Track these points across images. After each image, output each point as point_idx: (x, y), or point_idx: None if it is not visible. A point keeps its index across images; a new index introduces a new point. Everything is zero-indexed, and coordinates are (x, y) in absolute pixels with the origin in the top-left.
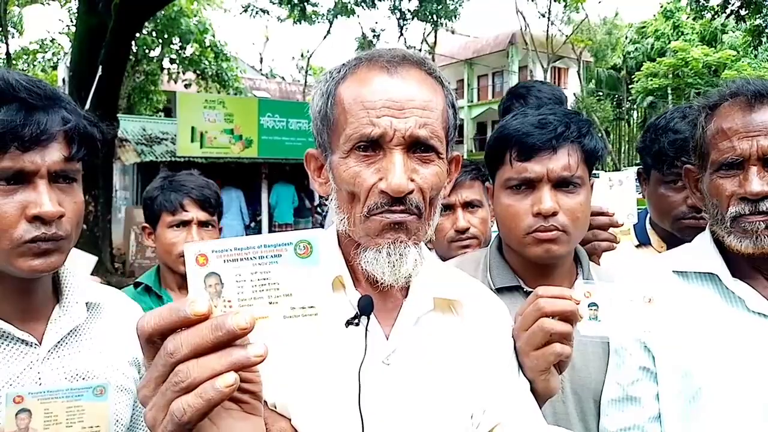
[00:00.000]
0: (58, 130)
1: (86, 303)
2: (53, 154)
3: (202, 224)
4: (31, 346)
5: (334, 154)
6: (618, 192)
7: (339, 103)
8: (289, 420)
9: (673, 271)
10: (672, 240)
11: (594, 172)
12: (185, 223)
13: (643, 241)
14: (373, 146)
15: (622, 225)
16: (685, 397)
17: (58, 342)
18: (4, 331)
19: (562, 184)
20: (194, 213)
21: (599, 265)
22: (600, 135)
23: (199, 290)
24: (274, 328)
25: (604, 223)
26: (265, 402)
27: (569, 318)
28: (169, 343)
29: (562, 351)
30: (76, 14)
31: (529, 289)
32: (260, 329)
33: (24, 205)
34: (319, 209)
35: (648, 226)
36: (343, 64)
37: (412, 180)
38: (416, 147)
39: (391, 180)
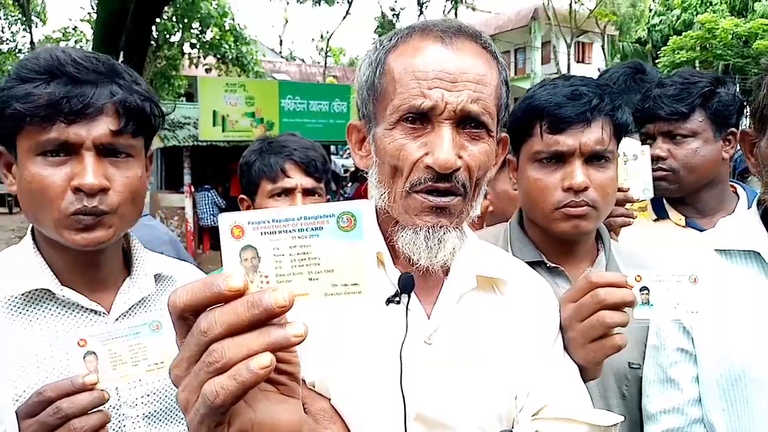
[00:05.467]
0: (104, 104)
1: (155, 275)
2: (100, 128)
3: (307, 192)
4: (100, 315)
5: (378, 125)
6: (633, 166)
7: (388, 73)
8: (329, 399)
9: (716, 250)
10: (688, 212)
11: None
12: (288, 192)
13: (661, 216)
14: (421, 119)
15: (638, 200)
16: (726, 381)
17: (126, 312)
18: (74, 302)
19: (593, 158)
20: (298, 179)
21: (617, 241)
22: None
23: (234, 264)
24: (314, 305)
25: (620, 199)
26: (304, 381)
27: (626, 306)
28: (202, 320)
29: (622, 343)
30: (97, 2)
31: (552, 264)
32: (299, 307)
33: (70, 177)
34: (341, 191)
35: (665, 199)
36: (395, 33)
37: (460, 157)
38: (466, 123)
39: (439, 155)
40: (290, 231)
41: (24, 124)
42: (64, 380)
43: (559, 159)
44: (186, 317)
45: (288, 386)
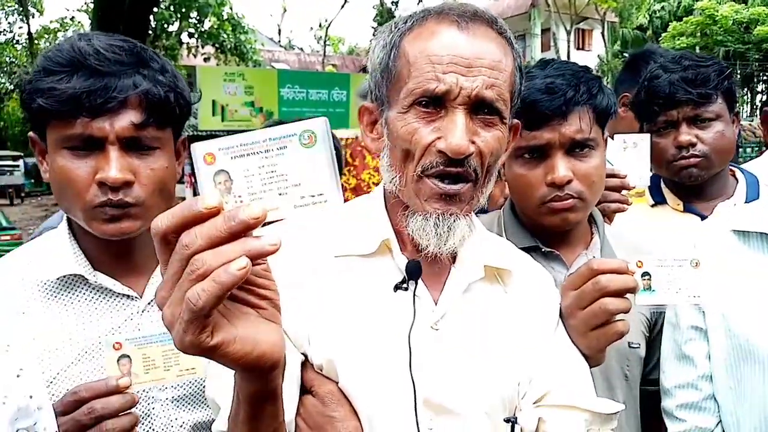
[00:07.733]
0: (127, 96)
1: None
2: (123, 121)
3: None
4: (132, 299)
5: (391, 109)
6: (632, 154)
7: (403, 56)
8: (336, 383)
9: (733, 231)
10: (688, 197)
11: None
12: None
13: (659, 201)
14: (434, 103)
15: (634, 188)
16: (734, 359)
17: None
18: (107, 287)
19: (575, 147)
20: None
21: (610, 224)
22: (611, 91)
23: (209, 188)
24: (285, 217)
25: (616, 185)
26: (312, 364)
27: (627, 292)
28: (184, 237)
29: (624, 329)
30: None
31: (547, 249)
32: (273, 219)
33: (95, 171)
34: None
35: (663, 184)
36: (410, 16)
37: (473, 143)
38: (480, 108)
39: (452, 140)
40: (258, 153)
41: (50, 118)
42: (98, 381)
43: (540, 153)
44: (169, 240)
45: (268, 311)
